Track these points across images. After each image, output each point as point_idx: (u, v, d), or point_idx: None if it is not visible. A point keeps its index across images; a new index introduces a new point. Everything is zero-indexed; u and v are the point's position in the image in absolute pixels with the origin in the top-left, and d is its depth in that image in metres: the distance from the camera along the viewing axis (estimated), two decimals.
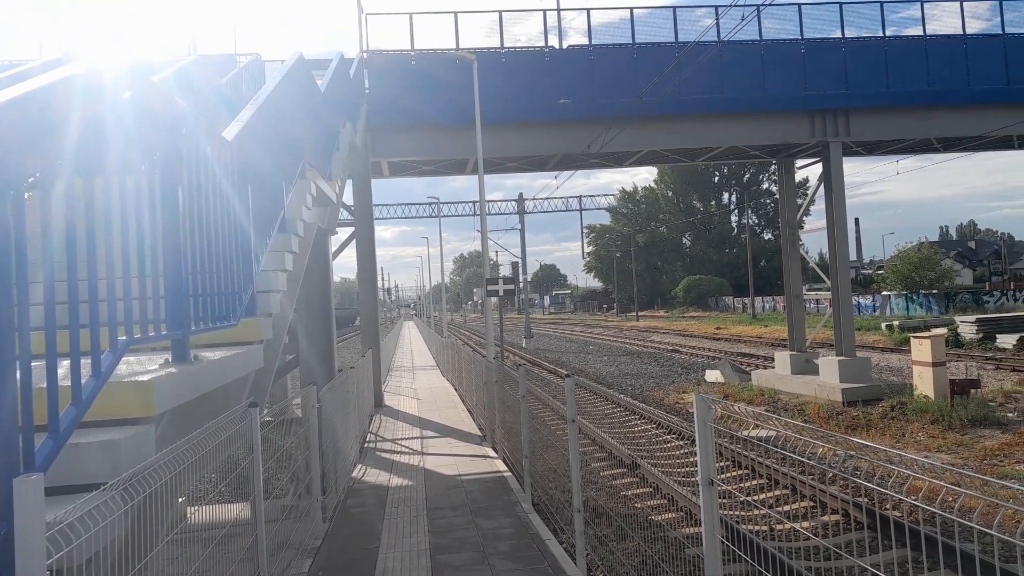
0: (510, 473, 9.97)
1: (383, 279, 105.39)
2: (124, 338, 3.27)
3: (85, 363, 2.92)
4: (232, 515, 4.20)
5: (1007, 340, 25.94)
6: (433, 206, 55.95)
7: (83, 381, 2.85)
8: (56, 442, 2.61)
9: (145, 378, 3.42)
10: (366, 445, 12.95)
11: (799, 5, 19.27)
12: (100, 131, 3.22)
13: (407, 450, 12.48)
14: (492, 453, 11.56)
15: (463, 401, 18.08)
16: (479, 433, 13.51)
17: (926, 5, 19.84)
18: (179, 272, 3.90)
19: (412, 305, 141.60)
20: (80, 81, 3.09)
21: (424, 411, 17.16)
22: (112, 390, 3.21)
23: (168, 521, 3.05)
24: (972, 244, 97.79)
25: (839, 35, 19.19)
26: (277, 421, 6.02)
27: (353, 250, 19.02)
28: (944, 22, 20.15)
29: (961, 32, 19.61)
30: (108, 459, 2.99)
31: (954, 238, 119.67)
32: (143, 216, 3.66)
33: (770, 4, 16.17)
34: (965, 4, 19.73)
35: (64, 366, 2.78)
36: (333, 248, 15.42)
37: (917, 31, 19.66)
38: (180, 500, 3.39)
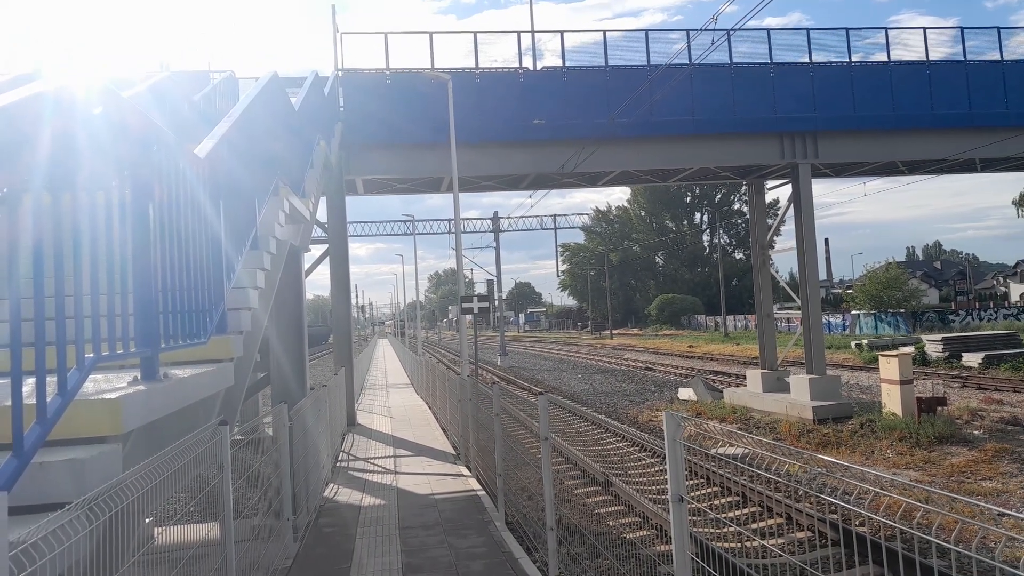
0: (484, 492, 9.93)
1: (357, 297, 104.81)
2: (91, 355, 3.23)
3: (51, 381, 2.88)
4: (201, 535, 4.14)
5: (972, 358, 26.44)
6: (408, 224, 55.94)
7: (49, 399, 2.81)
8: (20, 461, 2.57)
9: (113, 396, 3.37)
10: (338, 464, 12.83)
11: (768, 30, 19.70)
12: (70, 147, 3.20)
13: (380, 469, 12.38)
14: (466, 472, 11.51)
15: (437, 419, 17.99)
16: (453, 452, 13.45)
17: (892, 32, 20.42)
18: (149, 289, 3.87)
19: (386, 323, 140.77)
20: (50, 97, 3.07)
21: (397, 430, 17.04)
22: (79, 408, 3.16)
23: (135, 541, 3.01)
24: (938, 264, 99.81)
25: (807, 60, 19.62)
26: (248, 440, 5.96)
27: (327, 267, 18.94)
28: (910, 48, 20.63)
29: (925, 58, 20.15)
30: (74, 478, 2.94)
31: (920, 258, 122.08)
32: (113, 232, 3.63)
33: (740, 29, 16.51)
34: (929, 31, 20.33)
35: (29, 384, 2.74)
36: (306, 265, 15.33)
37: (884, 56, 20.17)
38: (148, 520, 3.34)
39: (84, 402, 3.24)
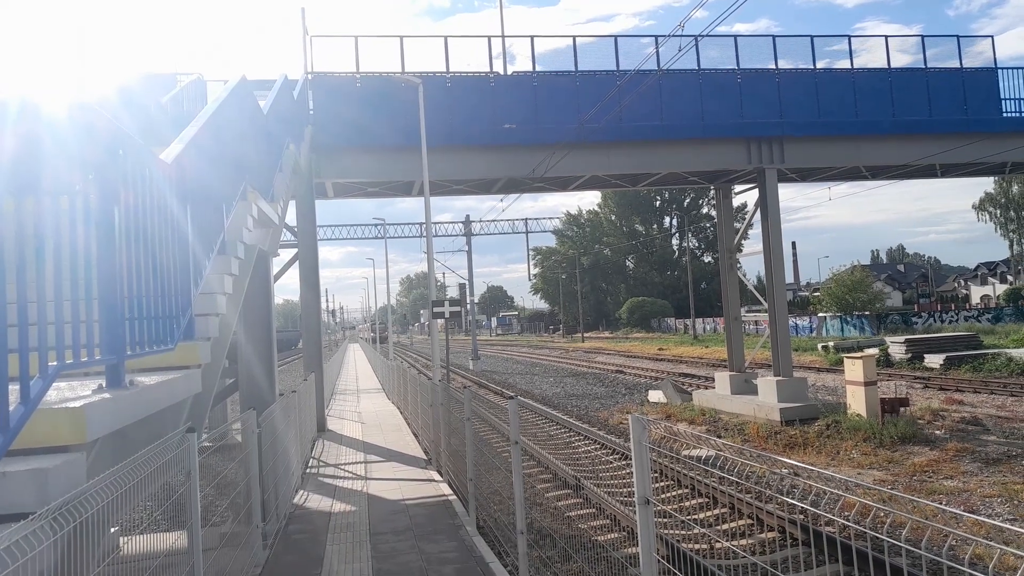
0: (455, 496, 9.93)
1: (328, 301, 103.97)
2: (55, 363, 3.19)
3: (13, 389, 2.84)
4: (168, 544, 4.10)
5: (934, 360, 27.01)
6: (379, 227, 55.64)
7: (11, 408, 2.77)
8: None
9: (77, 404, 3.33)
10: (308, 470, 12.74)
11: (735, 37, 19.99)
12: (34, 151, 3.16)
13: (350, 475, 12.32)
14: (437, 477, 11.50)
15: (408, 424, 17.93)
16: (424, 457, 13.43)
17: (856, 39, 20.86)
18: (115, 295, 3.83)
19: (357, 328, 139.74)
20: (13, 101, 3.04)
21: (368, 435, 16.96)
22: (42, 417, 3.12)
23: (100, 551, 2.98)
24: (901, 267, 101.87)
25: (774, 66, 19.93)
26: (216, 447, 5.90)
27: (296, 271, 18.79)
28: (874, 55, 21.08)
29: (887, 66, 20.59)
30: (37, 488, 2.90)
31: (884, 261, 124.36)
32: (77, 237, 3.59)
33: (707, 35, 16.72)
34: (892, 39, 20.79)
35: None
36: (275, 270, 15.20)
37: (848, 63, 20.56)
38: (113, 529, 3.31)
39: (48, 411, 3.20)
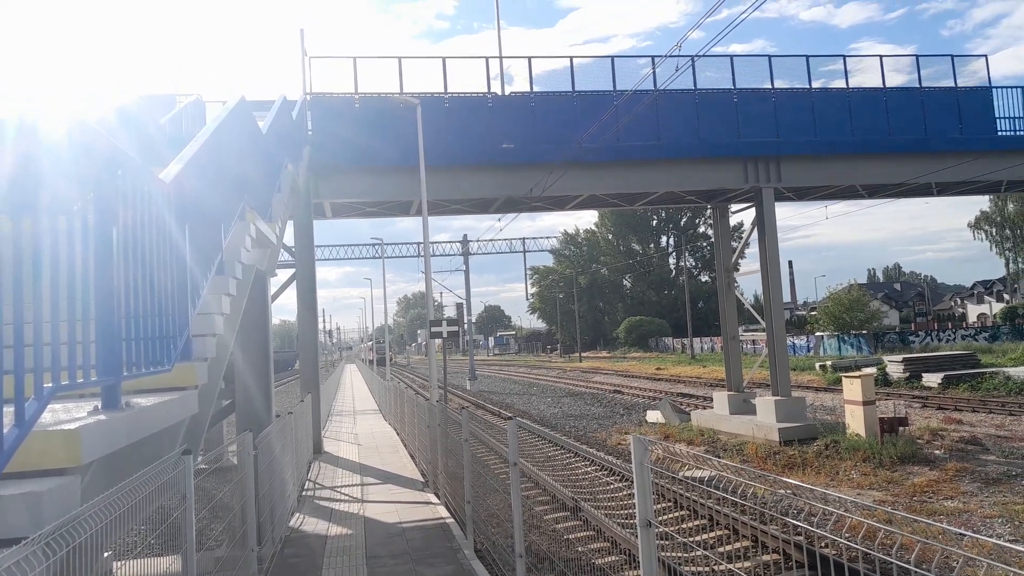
0: (452, 519, 9.84)
1: (324, 321, 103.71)
2: (50, 385, 3.16)
3: (8, 411, 2.81)
4: (162, 569, 4.04)
5: (932, 379, 26.97)
6: (377, 247, 55.64)
7: (6, 431, 2.74)
8: None
9: (72, 426, 3.29)
10: (304, 493, 12.62)
11: (731, 57, 20.13)
12: (33, 171, 3.15)
13: (347, 498, 12.20)
14: (434, 499, 11.40)
15: (405, 446, 17.81)
16: (421, 479, 13.32)
17: (851, 60, 21.01)
18: (111, 315, 3.80)
19: (353, 348, 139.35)
20: (10, 121, 3.04)
21: (365, 457, 16.83)
22: (36, 439, 3.08)
23: None
24: (898, 286, 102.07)
25: (770, 86, 20.07)
26: (212, 469, 5.84)
27: (294, 292, 18.73)
28: (869, 75, 21.23)
29: (882, 85, 20.73)
30: (30, 512, 2.86)
31: (881, 280, 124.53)
32: (75, 257, 3.57)
33: (704, 56, 16.85)
34: (886, 59, 20.96)
35: None
36: (273, 290, 15.17)
37: (843, 83, 20.70)
38: (107, 554, 3.25)
39: (42, 433, 3.16)
